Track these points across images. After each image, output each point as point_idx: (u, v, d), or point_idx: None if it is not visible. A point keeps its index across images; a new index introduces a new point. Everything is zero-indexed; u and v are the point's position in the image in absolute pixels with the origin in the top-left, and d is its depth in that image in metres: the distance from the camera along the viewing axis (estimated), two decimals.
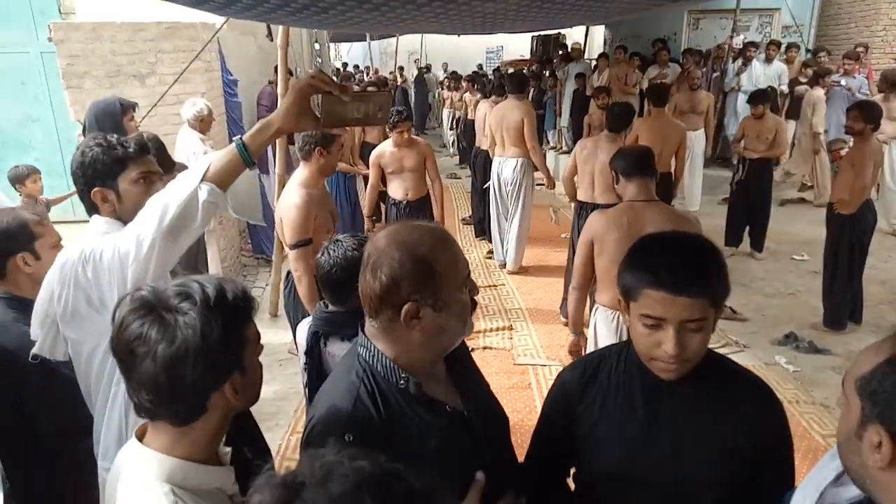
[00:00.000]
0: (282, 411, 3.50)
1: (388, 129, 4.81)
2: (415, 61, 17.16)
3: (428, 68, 16.13)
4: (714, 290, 1.14)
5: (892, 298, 4.86)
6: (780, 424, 1.25)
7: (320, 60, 16.19)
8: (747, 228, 5.79)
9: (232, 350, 0.99)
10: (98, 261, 1.47)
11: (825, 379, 3.73)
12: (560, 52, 11.41)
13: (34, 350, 1.66)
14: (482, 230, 6.47)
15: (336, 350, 1.79)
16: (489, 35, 12.41)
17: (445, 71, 14.91)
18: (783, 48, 8.32)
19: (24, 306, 1.76)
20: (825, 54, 7.88)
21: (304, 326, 2.00)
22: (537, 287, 5.31)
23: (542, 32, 13.24)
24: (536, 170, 5.46)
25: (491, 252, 5.97)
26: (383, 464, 0.64)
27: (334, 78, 1.58)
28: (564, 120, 10.08)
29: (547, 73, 11.33)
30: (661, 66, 8.72)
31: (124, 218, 1.60)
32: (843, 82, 7.02)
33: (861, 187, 4.01)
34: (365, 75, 16.07)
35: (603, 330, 2.70)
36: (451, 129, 12.11)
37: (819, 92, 7.07)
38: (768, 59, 8.01)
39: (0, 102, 6.03)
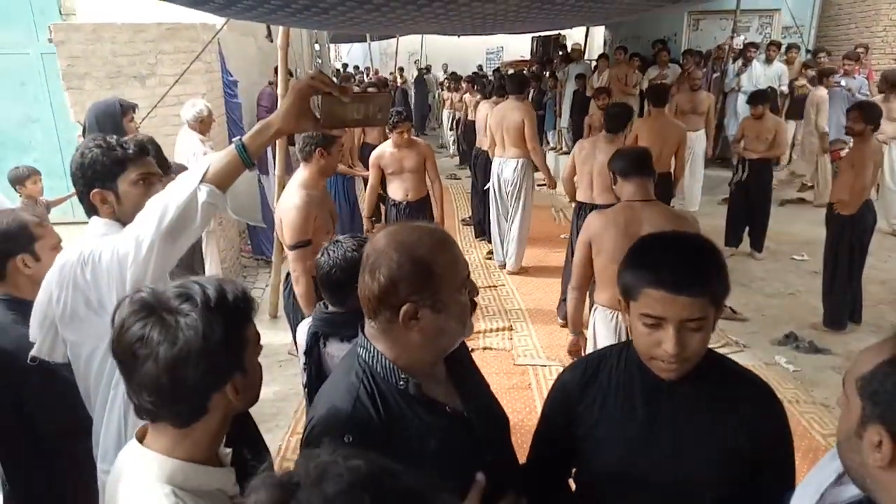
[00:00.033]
0: (282, 412, 3.50)
1: (387, 130, 4.81)
2: (415, 62, 17.13)
3: (428, 69, 16.09)
4: (714, 289, 1.14)
5: (892, 298, 4.86)
6: (780, 424, 1.25)
7: (320, 61, 16.19)
8: (747, 228, 5.79)
9: (233, 351, 0.99)
10: (97, 262, 1.47)
11: (825, 379, 3.74)
12: (560, 53, 11.41)
13: (33, 352, 1.65)
14: (482, 231, 6.47)
15: (335, 351, 1.79)
16: (489, 36, 12.41)
17: (445, 72, 14.87)
18: (783, 49, 8.31)
19: (24, 308, 1.75)
20: (825, 55, 7.87)
21: (304, 327, 2.00)
22: (537, 287, 5.31)
23: (543, 33, 13.26)
24: (537, 170, 5.46)
25: (491, 253, 5.97)
26: (379, 463, 0.63)
27: (334, 79, 1.58)
28: (564, 121, 10.07)
29: (547, 74, 11.32)
30: (661, 66, 8.71)
31: (123, 219, 1.59)
32: (843, 83, 7.01)
33: (861, 188, 4.02)
34: (365, 76, 16.07)
35: (602, 330, 2.70)
36: (450, 129, 12.10)
37: (823, 92, 7.05)
38: (768, 60, 8.01)
39: (0, 103, 6.03)
